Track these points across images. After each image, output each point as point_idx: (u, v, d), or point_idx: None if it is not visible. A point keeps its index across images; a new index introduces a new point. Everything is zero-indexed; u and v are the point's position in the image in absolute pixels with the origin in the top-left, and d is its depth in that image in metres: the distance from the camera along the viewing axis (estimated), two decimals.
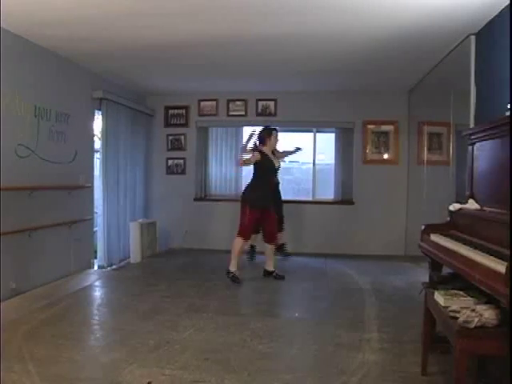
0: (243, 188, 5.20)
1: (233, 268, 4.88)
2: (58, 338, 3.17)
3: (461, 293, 2.40)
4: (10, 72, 4.04)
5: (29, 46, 4.32)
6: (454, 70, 4.54)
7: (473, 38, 3.87)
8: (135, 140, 6.60)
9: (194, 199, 7.19)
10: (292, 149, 6.21)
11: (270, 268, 5.09)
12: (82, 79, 5.35)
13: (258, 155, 4.86)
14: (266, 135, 5.01)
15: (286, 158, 6.24)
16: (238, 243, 4.90)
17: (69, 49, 4.62)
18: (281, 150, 6.26)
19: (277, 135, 6.05)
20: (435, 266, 2.94)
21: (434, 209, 4.31)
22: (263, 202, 4.90)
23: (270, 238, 5.05)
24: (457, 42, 4.15)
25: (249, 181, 5.09)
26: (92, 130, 5.68)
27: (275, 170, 5.10)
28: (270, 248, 5.09)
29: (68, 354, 2.91)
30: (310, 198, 7.13)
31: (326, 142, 7.17)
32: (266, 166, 4.93)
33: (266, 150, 5.00)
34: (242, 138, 7.08)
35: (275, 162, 5.07)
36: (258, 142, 5.01)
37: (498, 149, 2.57)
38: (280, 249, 6.12)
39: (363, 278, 5.18)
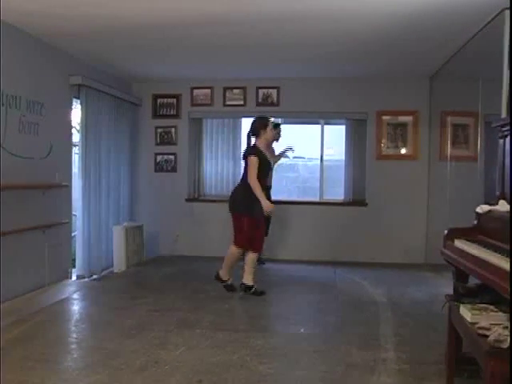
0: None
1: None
2: (29, 359, 3.13)
3: (491, 307, 2.38)
4: None
5: None
6: (483, 52, 4.51)
7: (507, 12, 3.76)
8: (119, 133, 6.58)
9: (187, 200, 7.17)
10: (283, 149, 6.22)
11: (249, 282, 4.84)
12: (58, 63, 5.32)
13: (255, 159, 4.65)
14: (261, 126, 4.79)
15: (278, 160, 6.21)
16: (236, 255, 4.81)
17: (41, 27, 4.58)
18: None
19: (279, 131, 6.08)
20: (460, 276, 2.93)
21: (459, 211, 4.28)
22: (261, 209, 4.69)
23: (259, 246, 4.90)
24: (488, 19, 4.09)
25: (239, 183, 4.93)
26: (69, 121, 5.65)
27: (271, 168, 4.99)
28: (252, 257, 4.84)
29: (40, 378, 2.86)
30: (317, 199, 7.11)
31: (336, 135, 7.15)
32: (262, 166, 4.71)
33: (261, 145, 4.79)
34: (240, 130, 7.08)
35: (270, 158, 4.95)
36: (250, 134, 4.89)
37: None
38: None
39: (377, 290, 5.15)
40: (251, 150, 4.76)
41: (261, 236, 4.87)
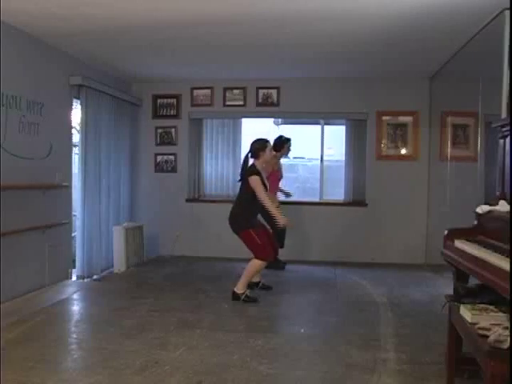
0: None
1: (243, 289, 4.74)
2: (29, 360, 3.12)
3: (491, 307, 2.38)
4: None
5: None
6: (483, 52, 4.50)
7: (507, 12, 3.78)
8: (119, 133, 6.57)
9: (187, 200, 7.16)
10: (284, 192, 6.39)
11: (255, 279, 5.02)
12: (58, 63, 5.32)
13: (257, 178, 4.72)
14: (261, 148, 4.88)
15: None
16: (259, 268, 4.79)
17: (41, 27, 4.58)
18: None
19: (289, 145, 6.20)
20: (460, 276, 2.93)
21: (459, 211, 4.28)
22: (256, 221, 4.95)
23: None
24: (488, 19, 4.09)
25: (235, 202, 4.96)
26: (70, 122, 5.64)
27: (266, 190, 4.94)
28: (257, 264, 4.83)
29: (40, 378, 2.86)
30: (318, 199, 7.11)
31: (336, 135, 7.15)
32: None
33: (259, 166, 4.86)
34: (240, 130, 7.08)
35: (266, 180, 4.98)
36: (249, 155, 4.93)
37: None
38: (276, 263, 6.06)
39: (378, 290, 5.15)
40: (251, 170, 4.80)
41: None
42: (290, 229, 6.21)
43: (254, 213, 4.89)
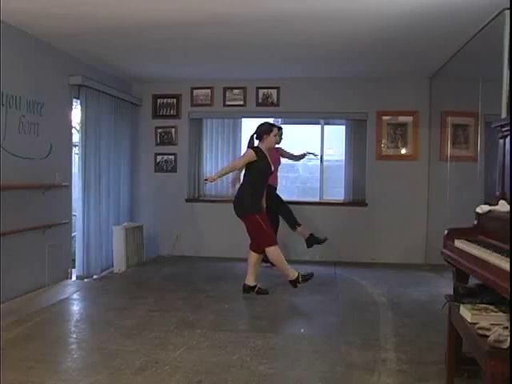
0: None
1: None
2: (29, 360, 3.12)
3: (491, 307, 2.38)
4: None
5: None
6: (483, 52, 4.50)
7: (507, 12, 3.78)
8: (119, 133, 6.58)
9: (187, 200, 7.16)
10: (302, 152, 6.34)
11: (251, 282, 4.91)
12: (58, 63, 5.32)
13: (252, 154, 4.76)
14: (266, 131, 4.90)
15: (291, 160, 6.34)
16: (277, 251, 4.81)
17: (41, 27, 4.58)
18: (288, 151, 6.38)
19: (281, 134, 6.19)
20: (460, 276, 2.92)
21: (459, 211, 4.28)
22: (261, 206, 4.90)
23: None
24: (488, 19, 4.09)
25: (241, 186, 4.96)
26: (70, 122, 5.64)
27: (270, 173, 5.00)
28: (255, 257, 4.93)
29: (40, 378, 2.86)
30: (317, 199, 7.11)
31: (336, 135, 7.16)
32: (261, 168, 4.81)
33: (263, 148, 4.88)
34: (240, 130, 7.08)
35: (272, 163, 5.02)
36: (254, 137, 4.95)
37: None
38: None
39: (378, 290, 5.15)
40: (254, 147, 4.86)
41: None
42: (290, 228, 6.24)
43: (259, 196, 4.85)
